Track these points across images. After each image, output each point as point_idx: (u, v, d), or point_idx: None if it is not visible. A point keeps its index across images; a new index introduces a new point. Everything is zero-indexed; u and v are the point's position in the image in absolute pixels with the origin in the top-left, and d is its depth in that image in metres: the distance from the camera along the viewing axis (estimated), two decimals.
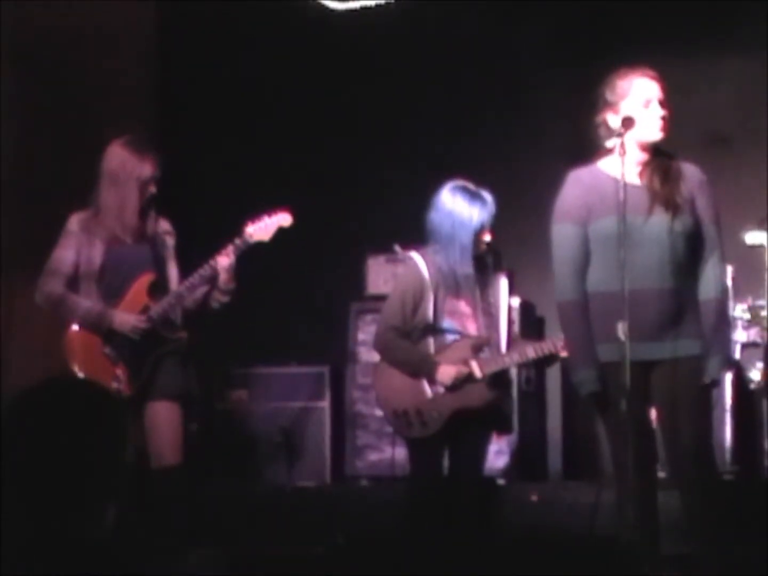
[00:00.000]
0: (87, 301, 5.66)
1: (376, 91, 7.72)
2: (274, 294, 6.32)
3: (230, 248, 5.65)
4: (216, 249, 5.66)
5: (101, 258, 5.66)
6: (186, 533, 5.35)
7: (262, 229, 5.71)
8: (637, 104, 5.03)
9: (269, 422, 7.44)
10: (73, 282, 5.68)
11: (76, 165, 6.88)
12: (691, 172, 5.11)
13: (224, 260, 5.61)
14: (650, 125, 5.04)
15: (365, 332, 7.27)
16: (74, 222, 5.70)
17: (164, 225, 5.79)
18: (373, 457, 7.32)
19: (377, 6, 7.45)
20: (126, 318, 5.63)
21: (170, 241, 5.79)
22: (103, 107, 7.28)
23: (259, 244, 5.70)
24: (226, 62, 7.66)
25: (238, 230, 5.67)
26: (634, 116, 5.00)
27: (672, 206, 5.03)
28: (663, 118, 5.03)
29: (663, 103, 5.04)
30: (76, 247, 5.66)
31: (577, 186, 5.11)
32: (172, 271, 5.77)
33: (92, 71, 7.26)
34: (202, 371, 5.90)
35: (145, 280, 5.70)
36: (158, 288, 5.69)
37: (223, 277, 5.63)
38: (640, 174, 5.08)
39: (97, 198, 5.68)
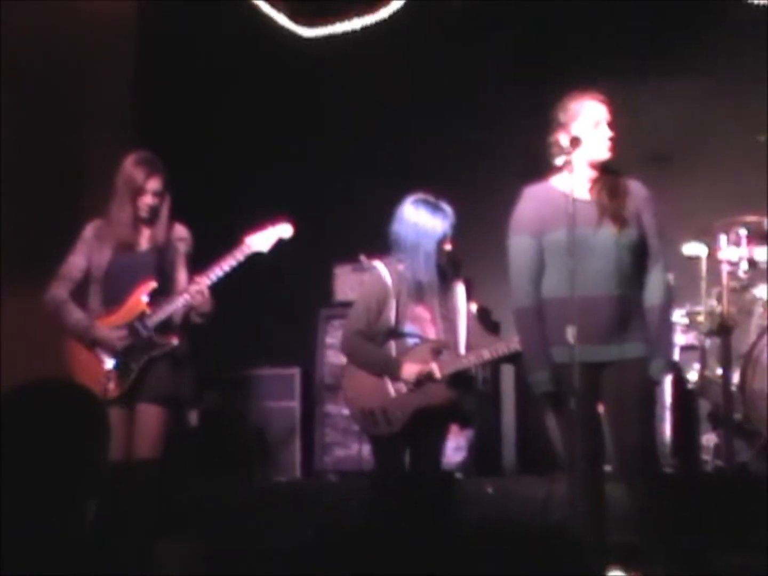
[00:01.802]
0: (79, 313, 5.65)
1: (344, 111, 7.71)
2: (248, 301, 6.29)
3: (204, 276, 5.60)
4: (202, 257, 5.66)
5: (107, 264, 5.66)
6: (158, 527, 5.32)
7: (262, 239, 5.70)
8: (587, 125, 5.05)
9: (243, 421, 7.42)
10: (84, 285, 5.69)
11: (63, 175, 6.86)
12: (636, 189, 5.13)
13: (194, 288, 5.58)
14: (599, 145, 5.06)
15: (333, 336, 7.27)
16: (89, 230, 5.73)
17: (180, 232, 5.75)
18: (340, 453, 7.31)
19: (342, 33, 7.45)
20: (106, 334, 5.61)
21: (183, 248, 5.73)
22: (89, 125, 7.22)
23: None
24: (205, 81, 7.62)
25: (221, 239, 5.64)
26: (584, 137, 5.03)
27: (619, 220, 5.05)
28: (610, 138, 5.06)
29: (610, 125, 5.06)
30: (88, 253, 5.68)
31: (531, 201, 5.12)
32: (181, 276, 5.71)
33: (76, 92, 7.19)
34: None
35: (145, 287, 5.65)
36: (159, 295, 5.64)
37: (195, 302, 5.59)
38: (590, 190, 5.10)
39: (109, 207, 5.70)
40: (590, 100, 5.07)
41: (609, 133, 5.04)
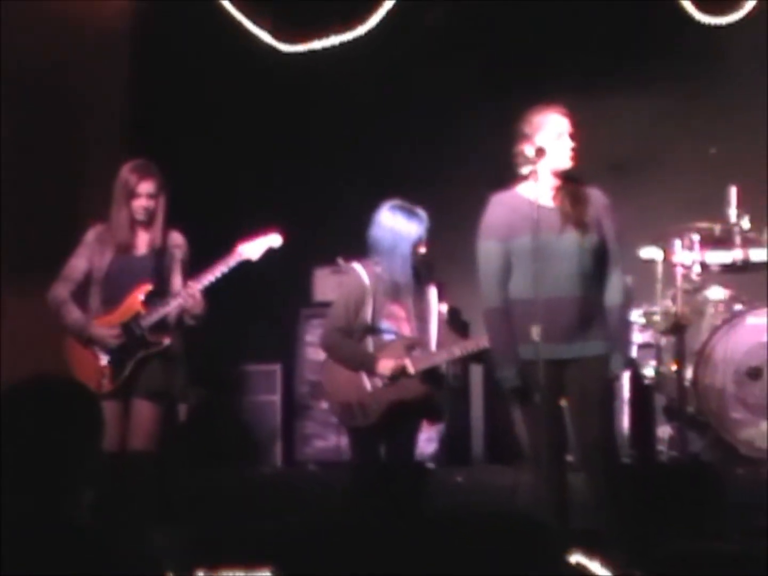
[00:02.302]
0: (77, 313, 5.66)
1: (325, 125, 7.71)
2: (233, 302, 6.28)
3: (197, 281, 5.61)
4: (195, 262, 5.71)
5: (107, 266, 5.68)
6: (151, 514, 5.31)
7: (253, 248, 5.71)
8: (550, 137, 5.05)
9: (228, 415, 7.41)
10: (85, 286, 5.70)
11: (63, 177, 6.83)
12: (596, 196, 5.14)
13: (186, 292, 5.60)
14: (562, 155, 5.06)
15: (312, 334, 7.26)
16: (91, 234, 5.74)
17: (175, 238, 5.76)
18: (319, 444, 7.30)
19: (321, 49, 7.44)
20: (102, 332, 5.63)
21: (178, 254, 5.74)
22: (88, 130, 7.19)
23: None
24: (195, 97, 7.60)
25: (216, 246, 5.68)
26: (548, 147, 5.03)
27: (581, 226, 5.06)
28: (572, 148, 5.07)
29: (572, 136, 5.07)
30: (89, 256, 5.69)
31: (498, 208, 5.12)
32: (176, 281, 5.71)
33: (75, 96, 7.16)
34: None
35: (141, 290, 5.66)
36: (155, 297, 5.65)
37: (188, 305, 5.61)
38: (553, 198, 5.10)
39: (109, 213, 5.72)
40: (553, 113, 5.08)
41: (571, 144, 5.05)
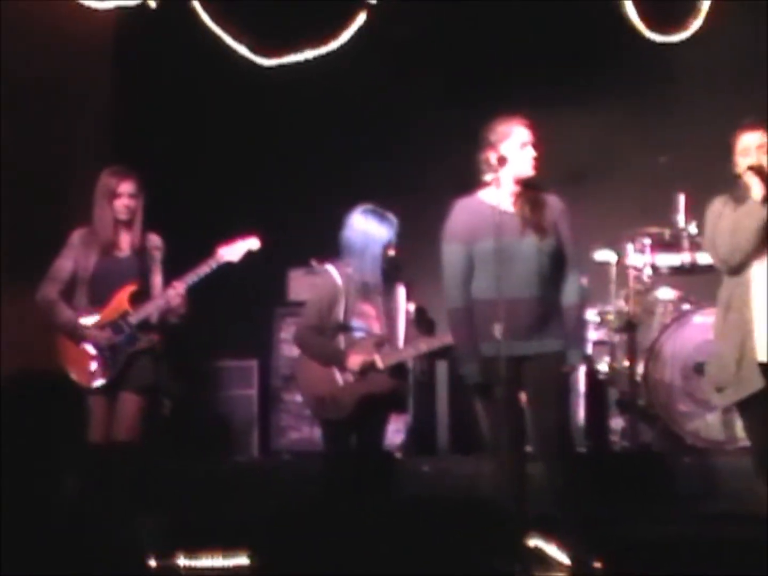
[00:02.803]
0: (69, 312, 5.67)
1: (299, 133, 7.69)
2: (212, 301, 6.26)
3: (181, 281, 5.64)
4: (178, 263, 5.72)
5: (93, 267, 5.67)
6: (134, 500, 5.30)
7: (233, 250, 5.73)
8: (513, 145, 5.06)
9: (208, 408, 7.39)
10: (71, 286, 5.69)
11: (49, 185, 6.80)
12: (554, 202, 5.15)
13: (172, 292, 5.63)
14: (524, 163, 5.07)
15: (287, 332, 7.24)
16: (75, 236, 5.73)
17: (154, 240, 5.78)
18: (293, 435, 7.29)
19: (296, 62, 7.44)
20: (92, 332, 5.63)
21: (158, 255, 5.76)
22: (72, 144, 7.16)
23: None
24: (175, 105, 7.57)
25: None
26: (510, 155, 5.03)
27: (540, 230, 5.07)
28: (534, 157, 5.07)
29: (534, 145, 5.07)
30: (74, 257, 5.69)
31: (462, 212, 5.12)
32: (156, 280, 5.73)
33: (60, 110, 7.12)
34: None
35: (128, 289, 5.68)
36: (139, 297, 5.67)
37: (173, 304, 5.63)
38: (514, 203, 5.10)
39: (92, 216, 5.72)
40: (516, 123, 5.08)
41: (533, 153, 5.06)
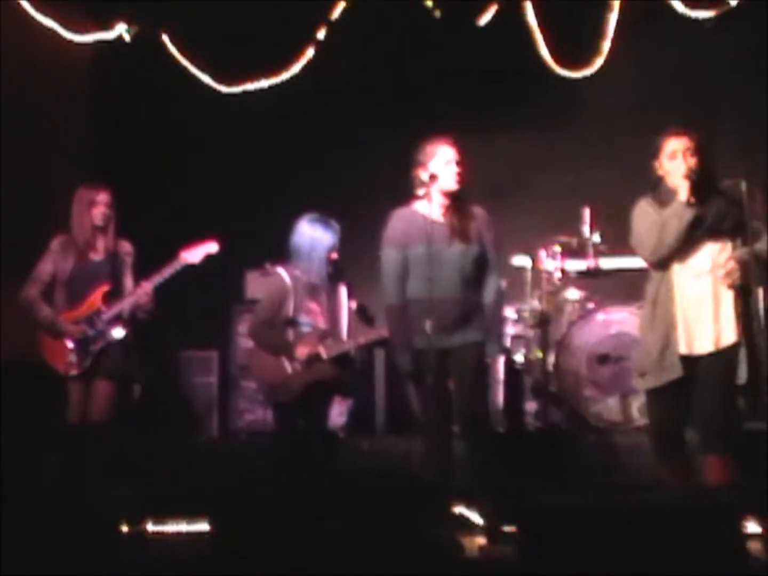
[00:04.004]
0: (47, 310, 5.66)
1: (253, 149, 7.66)
2: (177, 298, 6.21)
3: (149, 281, 5.64)
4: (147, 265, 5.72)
5: (70, 270, 5.67)
6: (108, 473, 5.26)
7: (194, 254, 5.73)
8: (440, 163, 5.07)
9: (172, 393, 7.32)
10: (51, 287, 5.69)
11: (30, 199, 6.71)
12: (479, 213, 5.16)
13: (140, 291, 5.62)
14: (449, 179, 5.07)
15: (243, 326, 7.18)
16: (55, 243, 5.73)
17: (126, 247, 5.79)
18: (249, 417, 7.24)
19: (255, 89, 7.40)
20: (68, 327, 5.62)
21: (129, 260, 5.77)
22: (54, 162, 7.07)
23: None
24: (144, 129, 7.51)
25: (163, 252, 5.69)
26: (438, 172, 5.04)
27: (465, 238, 5.09)
28: (458, 173, 5.07)
29: (459, 163, 5.08)
30: (54, 261, 5.69)
31: (398, 221, 5.13)
32: (128, 282, 5.74)
33: (44, 135, 7.03)
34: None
35: (101, 289, 5.67)
36: (111, 296, 5.67)
37: (141, 301, 5.63)
38: (443, 214, 5.12)
39: (71, 224, 5.73)
40: (443, 144, 5.09)
41: (457, 170, 5.07)
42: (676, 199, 4.79)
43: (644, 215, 4.87)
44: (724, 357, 4.74)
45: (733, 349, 4.73)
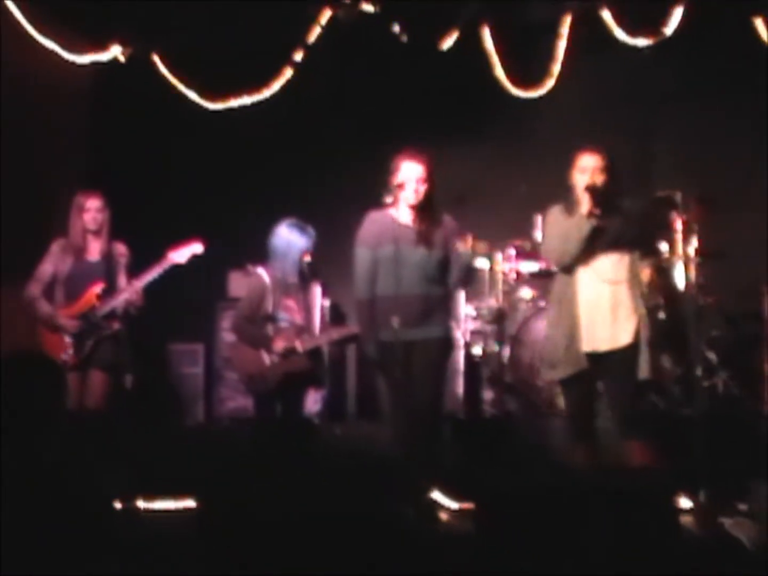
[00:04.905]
0: (47, 306, 5.66)
1: (237, 159, 7.64)
2: (166, 296, 6.19)
3: (139, 280, 5.63)
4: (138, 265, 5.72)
5: (68, 270, 5.67)
6: (103, 456, 5.23)
7: (180, 254, 5.72)
8: (403, 177, 5.08)
9: (162, 383, 7.31)
10: (51, 285, 5.69)
11: (33, 205, 6.68)
12: (448, 221, 5.21)
13: (132, 289, 5.62)
14: (409, 193, 5.10)
15: (227, 322, 7.17)
16: (55, 245, 5.74)
17: (120, 248, 5.79)
18: (231, 405, 7.23)
19: (239, 105, 7.38)
20: (65, 322, 5.62)
21: (123, 261, 5.77)
22: (52, 169, 7.03)
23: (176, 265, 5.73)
24: (138, 140, 7.47)
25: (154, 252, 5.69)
26: (405, 184, 5.05)
27: (429, 243, 5.10)
28: (416, 191, 5.08)
29: (421, 180, 5.09)
30: (53, 262, 5.69)
31: (370, 223, 5.16)
32: (122, 280, 5.73)
33: (45, 146, 6.99)
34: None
35: (96, 288, 5.67)
36: (106, 294, 5.67)
37: (132, 299, 5.64)
38: (413, 220, 5.13)
39: (68, 229, 5.74)
40: (407, 160, 5.09)
41: (415, 186, 5.06)
42: (579, 210, 4.89)
43: (553, 223, 4.99)
44: (621, 355, 4.85)
45: (630, 348, 4.84)
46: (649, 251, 5.00)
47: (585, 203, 4.88)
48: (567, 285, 4.94)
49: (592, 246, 4.85)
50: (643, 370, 4.84)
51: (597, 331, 4.87)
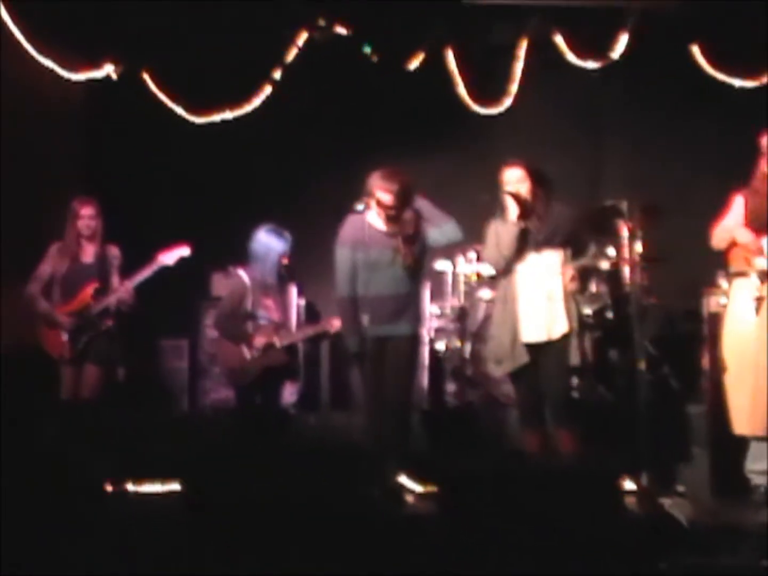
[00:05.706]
0: (45, 304, 5.65)
1: (221, 169, 7.62)
2: (155, 295, 6.17)
3: (130, 280, 5.64)
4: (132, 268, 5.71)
5: (65, 271, 5.67)
6: (96, 442, 5.23)
7: (169, 256, 5.72)
8: (377, 193, 5.07)
9: (150, 375, 7.28)
10: (49, 285, 5.69)
11: (32, 211, 6.65)
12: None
13: (123, 288, 5.63)
14: (379, 217, 5.10)
15: (209, 319, 7.16)
16: (53, 248, 5.75)
17: (113, 251, 5.80)
18: (214, 396, 7.21)
19: (221, 119, 7.37)
20: (62, 319, 5.61)
21: (116, 262, 5.77)
22: (51, 178, 7.00)
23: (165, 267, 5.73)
24: (129, 151, 7.44)
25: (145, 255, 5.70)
26: (379, 205, 5.05)
27: (403, 245, 5.12)
28: (385, 216, 5.09)
29: (388, 207, 5.09)
30: (52, 263, 5.70)
31: (350, 226, 5.17)
32: (115, 281, 5.73)
33: (43, 156, 6.96)
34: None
35: (91, 287, 5.68)
36: (100, 293, 5.67)
37: (124, 297, 5.64)
38: (387, 225, 5.14)
39: (64, 232, 5.74)
40: (379, 187, 5.05)
41: (384, 213, 5.07)
42: (509, 217, 5.05)
43: (490, 233, 5.15)
44: (556, 345, 4.96)
45: (564, 338, 4.98)
46: (577, 252, 5.07)
47: (511, 210, 5.04)
48: (507, 286, 5.07)
49: (522, 247, 4.98)
50: (573, 357, 4.97)
51: (534, 324, 4.99)
